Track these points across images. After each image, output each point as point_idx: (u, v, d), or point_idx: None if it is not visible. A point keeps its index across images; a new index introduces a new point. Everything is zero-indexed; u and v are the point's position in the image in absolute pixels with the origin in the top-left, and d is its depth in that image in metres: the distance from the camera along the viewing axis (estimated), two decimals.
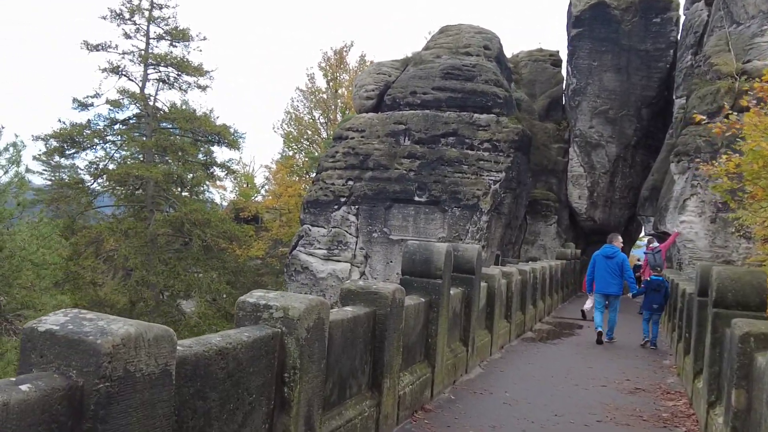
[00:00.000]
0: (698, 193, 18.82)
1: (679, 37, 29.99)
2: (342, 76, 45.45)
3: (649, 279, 13.34)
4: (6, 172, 18.38)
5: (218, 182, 46.22)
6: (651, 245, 18.82)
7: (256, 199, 49.11)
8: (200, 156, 28.46)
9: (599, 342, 12.31)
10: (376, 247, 24.21)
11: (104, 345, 2.45)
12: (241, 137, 29.76)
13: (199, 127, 26.95)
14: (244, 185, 53.07)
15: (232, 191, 51.28)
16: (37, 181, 29.08)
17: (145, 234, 26.27)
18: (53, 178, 30.61)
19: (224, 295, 30.86)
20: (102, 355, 2.43)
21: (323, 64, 45.46)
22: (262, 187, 52.57)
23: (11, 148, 18.18)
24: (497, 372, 9.05)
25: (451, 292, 7.74)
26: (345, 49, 45.67)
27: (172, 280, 26.09)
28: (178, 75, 28.35)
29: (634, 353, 11.81)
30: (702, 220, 18.70)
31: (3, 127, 22.92)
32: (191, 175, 29.35)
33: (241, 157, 60.45)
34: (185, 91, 28.97)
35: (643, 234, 29.51)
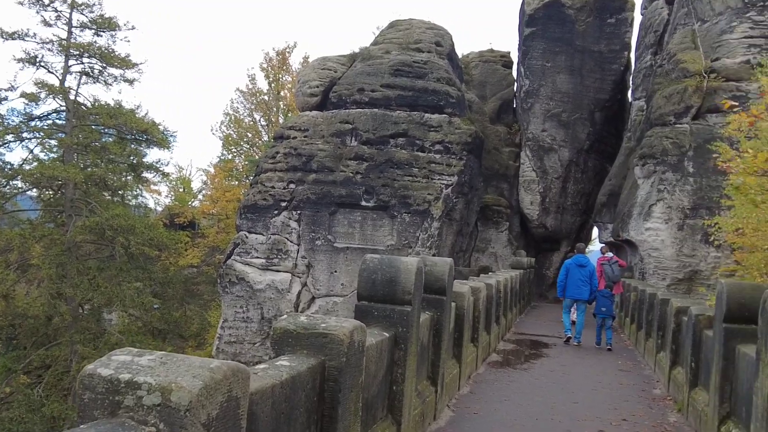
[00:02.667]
0: (665, 199, 17.71)
1: (635, 38, 29.30)
2: (284, 78, 43.94)
3: (601, 290, 14.67)
4: None
5: (152, 186, 44.09)
6: (606, 254, 17.71)
7: (193, 204, 47.01)
8: (127, 156, 25.83)
9: (567, 342, 14.13)
10: (319, 255, 22.31)
11: None
12: (171, 136, 27.43)
13: (125, 123, 24.41)
14: (180, 190, 50.84)
15: (167, 196, 48.95)
16: None
17: (62, 241, 23.60)
18: None
19: (155, 307, 28.44)
20: None
21: (265, 65, 43.83)
22: (200, 191, 50.32)
23: None
24: (470, 415, 7.35)
25: (420, 318, 6.00)
26: (288, 50, 44.13)
27: (91, 292, 23.49)
28: (102, 67, 25.76)
29: (614, 377, 10.32)
30: (669, 227, 17.58)
31: None
32: (117, 177, 26.76)
33: (171, 158, 57.73)
34: (110, 84, 26.38)
35: (597, 241, 28.52)
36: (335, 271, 22.19)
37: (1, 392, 22.83)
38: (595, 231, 30.48)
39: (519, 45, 31.27)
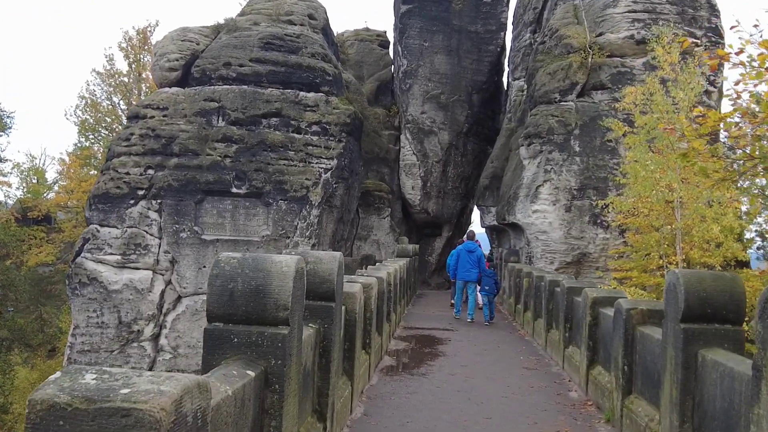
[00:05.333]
0: (552, 179, 17.02)
1: (511, 18, 28.91)
2: (146, 59, 40.64)
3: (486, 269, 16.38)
4: None
5: (1, 178, 39.74)
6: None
7: (48, 196, 42.76)
8: None
9: (453, 312, 16.70)
10: (185, 249, 19.94)
11: None
12: (8, 117, 23.67)
13: None
14: (33, 181, 46.24)
15: (18, 188, 44.31)
16: None
17: None
18: None
19: (10, 310, 24.89)
20: None
21: (124, 45, 40.36)
22: (55, 182, 45.95)
23: None
24: None
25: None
26: (149, 29, 41.02)
27: None
28: None
29: (521, 378, 9.17)
30: (556, 209, 16.93)
31: None
32: None
33: (9, 143, 52.60)
34: None
35: (479, 225, 27.99)
36: (204, 267, 19.92)
37: None
38: (475, 215, 30.06)
39: (395, 24, 30.10)
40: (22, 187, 44.56)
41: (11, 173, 41.67)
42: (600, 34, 17.65)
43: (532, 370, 9.84)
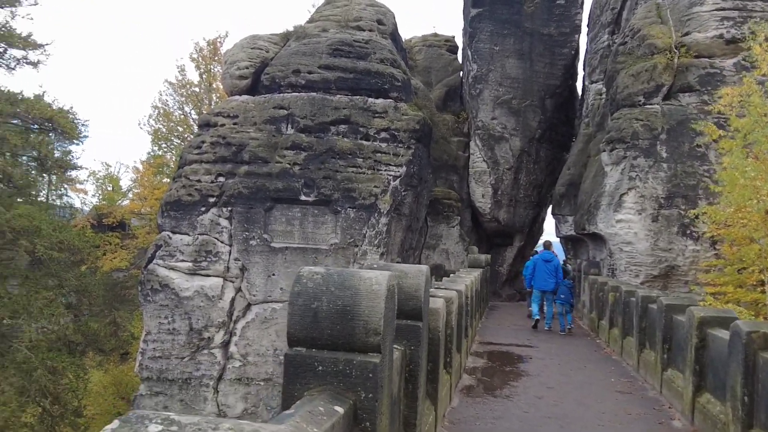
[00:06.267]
0: (637, 187, 16.00)
1: (586, 20, 27.88)
2: (216, 69, 41.60)
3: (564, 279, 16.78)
4: None
5: (78, 185, 41.25)
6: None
7: (123, 203, 44.17)
8: (30, 148, 22.66)
9: (535, 327, 16.25)
10: (254, 257, 19.82)
11: None
12: (83, 125, 24.25)
13: (28, 111, 21.27)
14: (108, 188, 47.91)
15: (94, 195, 46.01)
16: None
17: None
18: None
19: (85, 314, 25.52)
20: None
21: (195, 55, 41.45)
22: (129, 190, 47.46)
23: None
24: None
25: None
26: (219, 40, 41.86)
27: None
28: (3, 48, 22.47)
29: (616, 403, 8.38)
30: (642, 218, 15.89)
31: None
32: (21, 171, 23.51)
33: (83, 151, 54.49)
34: (12, 69, 23.09)
35: (553, 235, 26.96)
36: (273, 275, 19.76)
37: None
38: (548, 224, 29.02)
39: (465, 28, 29.48)
40: (97, 195, 46.09)
41: (87, 181, 42.98)
42: (686, 34, 16.55)
43: (626, 394, 9.03)
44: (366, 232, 19.66)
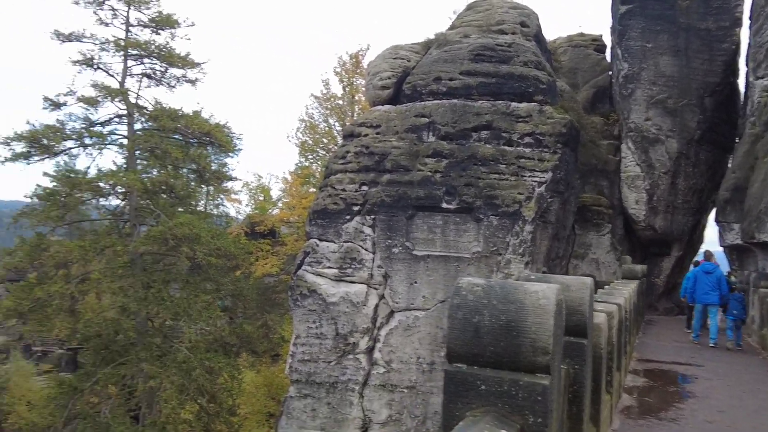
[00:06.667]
0: None
1: (748, 12, 25.54)
2: (358, 82, 42.85)
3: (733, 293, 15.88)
4: None
5: (233, 195, 44.27)
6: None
7: (273, 212, 46.74)
8: (190, 161, 24.36)
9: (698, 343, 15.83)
10: (397, 264, 19.92)
11: None
12: (237, 138, 25.72)
13: (187, 126, 22.90)
14: (260, 198, 50.88)
15: (247, 204, 49.13)
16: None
17: (124, 252, 22.27)
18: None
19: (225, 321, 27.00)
20: None
21: (338, 69, 42.89)
22: (279, 199, 50.18)
23: None
24: None
25: None
26: (361, 53, 42.97)
27: (156, 306, 22.02)
28: (164, 68, 24.41)
29: None
30: None
31: None
32: (182, 182, 25.34)
33: (238, 163, 58.16)
34: (173, 87, 25.05)
35: (716, 243, 24.83)
36: (415, 282, 19.75)
37: (68, 413, 21.62)
38: (710, 232, 26.80)
39: (613, 26, 28.01)
40: (250, 204, 48.94)
41: (241, 191, 45.57)
42: None
43: None
44: (510, 240, 19.11)
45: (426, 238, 19.71)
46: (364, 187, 20.55)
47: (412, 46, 22.97)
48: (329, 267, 20.65)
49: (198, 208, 32.48)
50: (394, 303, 20.11)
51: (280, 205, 47.04)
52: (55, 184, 23.16)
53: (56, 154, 23.07)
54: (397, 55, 22.35)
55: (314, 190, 40.38)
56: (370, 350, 20.55)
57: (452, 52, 21.74)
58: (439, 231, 19.76)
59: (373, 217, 20.30)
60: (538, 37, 23.84)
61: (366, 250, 20.38)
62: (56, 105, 23.30)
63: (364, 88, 39.48)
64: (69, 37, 22.90)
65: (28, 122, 22.96)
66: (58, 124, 22.88)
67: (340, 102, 43.33)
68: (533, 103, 20.93)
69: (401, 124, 21.04)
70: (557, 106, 21.95)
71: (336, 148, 40.16)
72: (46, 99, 23.29)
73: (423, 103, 21.24)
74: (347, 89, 42.93)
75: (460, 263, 19.14)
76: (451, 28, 23.46)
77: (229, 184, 30.30)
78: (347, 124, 39.97)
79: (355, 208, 20.47)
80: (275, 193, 49.13)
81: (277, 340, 31.45)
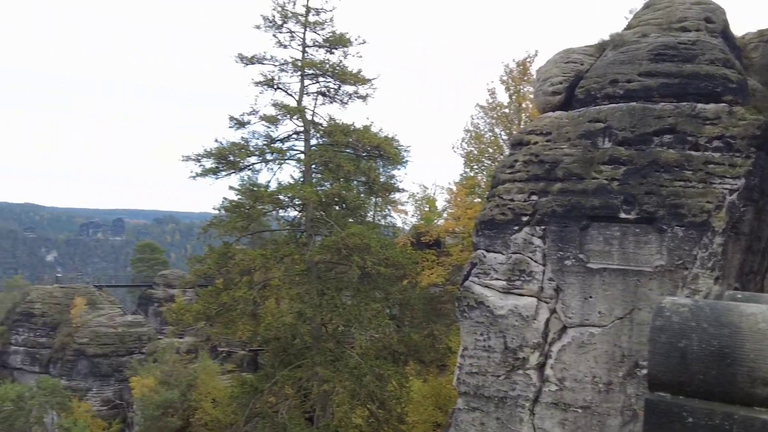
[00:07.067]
0: None
1: None
2: (525, 89, 42.17)
3: None
4: None
5: (399, 206, 45.42)
6: None
7: (438, 223, 47.26)
8: (361, 174, 25.32)
9: None
10: (569, 278, 19.15)
11: None
12: (405, 151, 26.30)
13: (358, 140, 23.84)
14: (425, 209, 51.64)
15: (413, 215, 50.13)
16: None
17: (301, 261, 23.55)
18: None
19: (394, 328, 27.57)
20: None
21: (505, 77, 42.55)
22: (444, 210, 50.64)
23: None
24: None
25: None
26: (528, 60, 42.15)
27: (330, 313, 23.01)
28: (337, 86, 25.60)
29: None
30: None
31: None
32: (353, 194, 26.38)
33: (406, 174, 59.26)
34: (345, 103, 26.17)
35: None
36: (590, 297, 18.85)
37: (248, 412, 23.21)
38: None
39: None
40: (416, 215, 49.75)
41: (407, 202, 46.50)
42: None
43: None
44: (697, 253, 17.57)
45: (602, 250, 18.72)
46: (534, 197, 20.00)
47: (584, 48, 22.07)
48: (497, 278, 20.31)
49: (366, 219, 33.58)
50: (566, 318, 19.32)
51: (445, 215, 47.34)
52: (239, 197, 25.12)
53: (241, 170, 25.05)
54: (568, 58, 21.58)
55: (479, 200, 40.20)
56: (541, 366, 19.89)
57: (629, 53, 20.56)
58: (616, 243, 18.70)
59: (543, 227, 19.68)
60: (725, 33, 21.86)
61: (536, 261, 19.80)
62: (241, 124, 25.31)
63: (532, 96, 38.64)
64: (251, 60, 24.77)
65: (216, 140, 25.19)
66: (242, 142, 24.83)
67: (507, 110, 42.93)
68: (722, 104, 19.20)
69: (573, 130, 20.24)
70: (749, 106, 19.96)
71: (502, 157, 39.72)
72: (231, 118, 25.37)
73: (597, 107, 20.27)
74: (514, 97, 42.47)
75: (640, 277, 17.96)
76: (628, 27, 22.22)
77: (396, 195, 31.07)
78: (514, 132, 39.36)
79: (524, 219, 19.97)
80: (440, 204, 49.60)
81: (443, 350, 31.54)
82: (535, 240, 19.93)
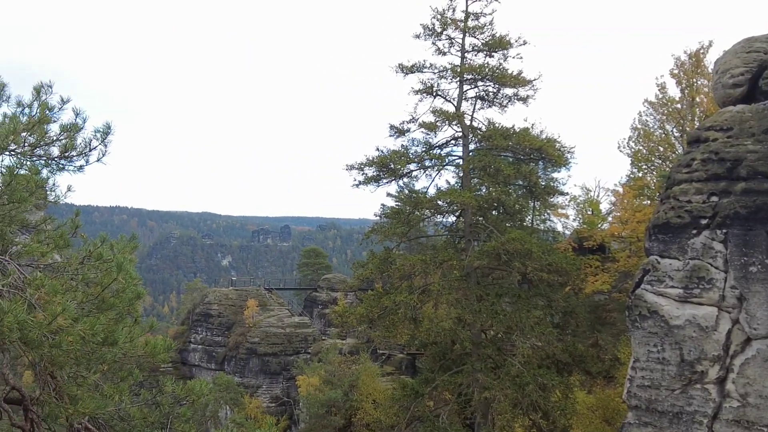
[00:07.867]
0: None
1: None
2: (699, 82, 39.29)
3: None
4: None
5: (560, 210, 44.12)
6: None
7: (602, 227, 45.21)
8: (522, 177, 24.82)
9: None
10: (755, 285, 17.49)
11: None
12: (569, 152, 25.38)
13: (518, 143, 23.39)
14: (588, 212, 49.59)
15: (574, 219, 48.36)
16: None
17: (460, 266, 23.53)
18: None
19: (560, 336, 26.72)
20: None
21: (676, 71, 39.96)
22: (608, 213, 48.37)
23: None
24: None
25: None
26: (702, 51, 39.24)
27: (490, 319, 22.75)
28: (496, 89, 25.31)
29: None
30: None
31: None
32: (512, 199, 25.96)
33: (569, 177, 56.72)
34: (505, 106, 25.79)
35: None
36: None
37: (409, 415, 23.53)
38: None
39: None
40: (578, 219, 47.79)
41: (568, 206, 44.96)
42: None
43: None
44: None
45: None
46: (714, 198, 18.47)
47: None
48: (672, 286, 18.97)
49: (524, 224, 32.85)
50: (751, 329, 17.62)
51: (610, 219, 45.15)
52: (398, 203, 25.57)
53: (401, 177, 25.55)
54: (750, 48, 19.76)
55: (649, 202, 37.93)
56: (721, 381, 18.31)
57: None
58: None
59: (724, 231, 18.12)
60: None
61: (716, 268, 18.25)
62: (400, 132, 25.82)
63: (707, 89, 35.88)
64: (411, 69, 25.22)
65: (377, 149, 25.88)
66: (402, 149, 25.32)
67: (678, 106, 40.40)
68: None
69: (758, 125, 18.47)
70: None
71: (674, 155, 37.22)
72: (392, 127, 25.97)
73: None
74: (686, 92, 39.81)
75: None
76: None
77: (558, 199, 30.06)
78: (688, 129, 36.80)
79: (703, 222, 18.50)
80: (604, 206, 47.34)
81: (610, 361, 30.03)
82: (715, 244, 18.36)
